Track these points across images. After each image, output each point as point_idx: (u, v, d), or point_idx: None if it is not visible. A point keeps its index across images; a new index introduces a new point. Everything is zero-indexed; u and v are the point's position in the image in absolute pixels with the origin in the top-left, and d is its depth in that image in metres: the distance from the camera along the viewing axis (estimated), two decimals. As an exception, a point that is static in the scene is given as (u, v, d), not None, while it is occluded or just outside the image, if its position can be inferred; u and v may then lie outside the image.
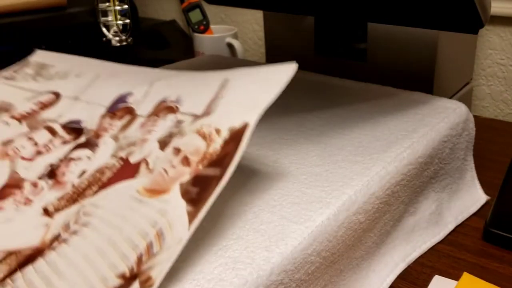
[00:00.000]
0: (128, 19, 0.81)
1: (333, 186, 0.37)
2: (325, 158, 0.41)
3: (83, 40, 0.82)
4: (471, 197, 0.51)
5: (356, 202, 0.36)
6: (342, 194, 0.36)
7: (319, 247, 0.33)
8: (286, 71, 0.34)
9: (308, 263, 0.32)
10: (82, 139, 0.38)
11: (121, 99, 0.40)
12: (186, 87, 0.38)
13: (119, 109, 0.39)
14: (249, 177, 0.39)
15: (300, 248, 0.31)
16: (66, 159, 0.37)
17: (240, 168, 0.40)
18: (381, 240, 0.41)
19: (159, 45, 0.95)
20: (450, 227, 0.47)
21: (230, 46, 0.88)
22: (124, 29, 0.81)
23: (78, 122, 0.40)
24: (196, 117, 0.34)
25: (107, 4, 0.79)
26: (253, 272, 0.29)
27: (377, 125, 0.47)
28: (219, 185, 0.29)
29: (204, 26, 0.91)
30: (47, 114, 0.42)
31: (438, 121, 0.46)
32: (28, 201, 0.34)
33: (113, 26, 0.81)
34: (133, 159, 0.34)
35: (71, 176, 0.35)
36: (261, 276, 0.29)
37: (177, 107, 0.36)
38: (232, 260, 0.30)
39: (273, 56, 0.79)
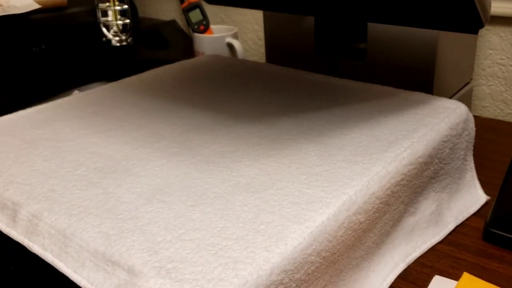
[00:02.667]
0: (128, 19, 0.81)
1: (333, 186, 0.37)
2: (325, 158, 0.41)
3: (83, 40, 0.82)
4: (471, 197, 0.51)
5: (356, 202, 0.36)
6: (342, 194, 0.36)
7: (319, 247, 0.33)
8: None
9: (308, 263, 0.32)
10: None
11: None
12: None
13: None
14: (249, 177, 0.39)
15: (300, 248, 0.31)
16: None
17: (240, 168, 0.40)
18: (381, 240, 0.41)
19: (159, 45, 0.95)
20: (450, 227, 0.47)
21: (230, 46, 0.88)
22: (124, 29, 0.81)
23: None
24: None
25: (107, 4, 0.79)
26: (253, 272, 0.29)
27: (377, 125, 0.47)
28: None
29: (204, 26, 0.90)
30: None
31: (438, 121, 0.46)
32: None
33: (113, 26, 0.81)
34: None
35: None
36: (261, 276, 0.29)
37: None
38: (232, 260, 0.30)
39: (273, 56, 0.79)
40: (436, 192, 0.47)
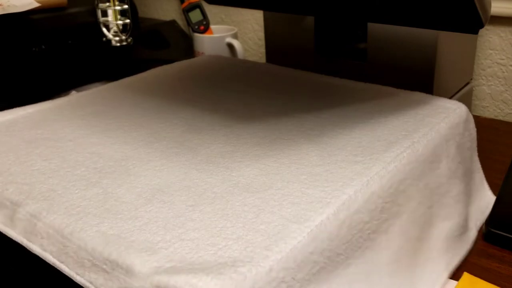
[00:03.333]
0: (128, 19, 0.81)
1: (333, 186, 0.37)
2: (325, 158, 0.41)
3: (83, 40, 0.82)
4: (483, 200, 0.50)
5: (357, 201, 0.36)
6: (342, 194, 0.36)
7: (320, 245, 0.32)
8: None
9: (310, 262, 0.32)
10: None
11: None
12: None
13: None
14: (249, 177, 0.39)
15: (300, 247, 0.31)
16: None
17: (240, 168, 0.40)
18: (415, 246, 0.40)
19: (159, 45, 0.95)
20: (473, 233, 0.46)
21: (230, 46, 0.88)
22: (124, 29, 0.81)
23: None
24: None
25: (107, 4, 0.79)
26: (252, 269, 0.29)
27: (377, 125, 0.46)
28: None
29: (204, 26, 0.90)
30: None
31: (438, 121, 0.46)
32: None
33: (113, 26, 0.81)
34: None
35: None
36: (260, 273, 0.29)
37: None
38: (231, 259, 0.30)
39: (273, 56, 0.79)
40: (464, 194, 0.46)
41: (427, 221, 0.42)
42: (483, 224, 0.46)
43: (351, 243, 0.35)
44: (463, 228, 0.45)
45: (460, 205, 0.45)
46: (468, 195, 0.48)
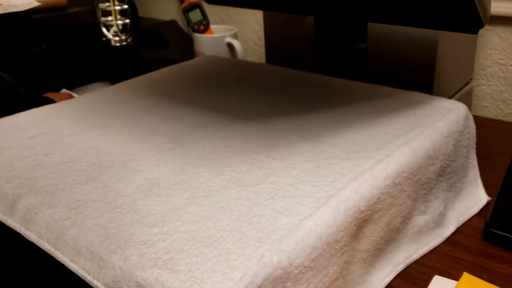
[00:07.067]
0: (128, 19, 0.81)
1: (324, 181, 0.37)
2: (317, 155, 0.41)
3: (83, 40, 0.82)
4: (473, 197, 0.50)
5: (353, 191, 0.36)
6: (332, 189, 0.36)
7: (316, 229, 0.32)
8: None
9: (308, 247, 0.32)
10: None
11: None
12: None
13: None
14: (242, 172, 0.39)
15: (292, 237, 0.31)
16: None
17: (233, 163, 0.41)
18: (390, 236, 0.40)
19: (159, 45, 0.95)
20: (452, 229, 0.47)
21: (230, 46, 0.88)
22: (124, 29, 0.81)
23: None
24: None
25: (107, 4, 0.79)
26: (244, 262, 0.29)
27: (374, 125, 0.47)
28: None
29: (204, 26, 0.91)
30: None
31: (435, 120, 0.46)
32: None
33: (113, 26, 0.81)
34: None
35: None
36: (254, 265, 0.29)
37: None
38: (226, 251, 0.30)
39: (273, 56, 0.79)
40: (445, 191, 0.46)
41: (408, 213, 0.42)
42: (485, 224, 0.46)
43: (347, 231, 0.35)
44: (437, 222, 0.46)
45: (438, 201, 0.45)
46: (458, 191, 0.48)
